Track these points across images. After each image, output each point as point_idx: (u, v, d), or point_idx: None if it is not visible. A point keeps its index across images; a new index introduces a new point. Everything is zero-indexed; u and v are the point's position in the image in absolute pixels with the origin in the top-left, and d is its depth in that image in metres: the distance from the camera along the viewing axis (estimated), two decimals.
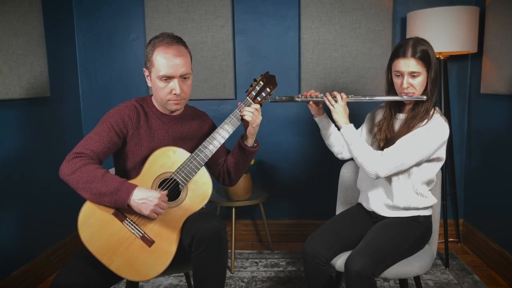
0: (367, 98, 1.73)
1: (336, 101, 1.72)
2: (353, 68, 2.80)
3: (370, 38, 2.76)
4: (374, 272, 1.50)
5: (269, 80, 1.68)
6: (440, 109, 2.55)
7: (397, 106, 1.79)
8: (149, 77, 1.62)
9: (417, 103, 1.69)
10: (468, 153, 2.85)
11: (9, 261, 2.22)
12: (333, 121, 1.82)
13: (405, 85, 1.66)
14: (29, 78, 2.34)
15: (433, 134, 1.63)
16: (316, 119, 1.90)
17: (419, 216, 1.73)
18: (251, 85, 1.67)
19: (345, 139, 1.70)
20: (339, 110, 1.70)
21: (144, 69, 1.63)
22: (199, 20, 2.82)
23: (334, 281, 1.82)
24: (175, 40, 1.59)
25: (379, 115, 1.85)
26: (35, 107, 2.45)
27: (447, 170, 2.79)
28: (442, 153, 1.70)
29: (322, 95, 1.78)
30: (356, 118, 1.82)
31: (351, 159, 1.97)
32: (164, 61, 1.54)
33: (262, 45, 2.87)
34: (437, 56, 2.55)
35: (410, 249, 1.65)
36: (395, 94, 1.74)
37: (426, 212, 1.75)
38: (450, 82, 2.78)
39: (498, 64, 2.36)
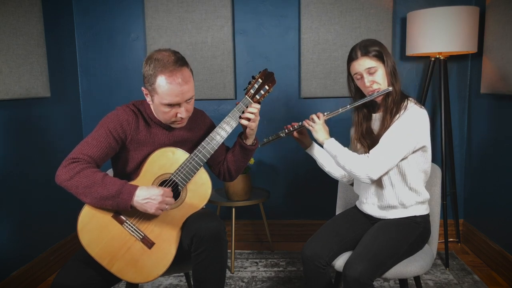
0: (340, 109, 1.74)
1: (314, 122, 1.73)
2: None
3: (370, 38, 2.74)
4: (373, 277, 1.50)
5: (268, 78, 1.67)
6: (440, 109, 2.57)
7: (369, 109, 1.80)
8: (148, 96, 1.57)
9: (386, 99, 1.70)
10: (468, 153, 2.85)
11: (9, 261, 2.22)
12: (317, 143, 1.82)
13: (367, 84, 1.68)
14: (29, 78, 2.34)
15: (413, 123, 1.63)
16: (307, 150, 1.91)
17: (416, 216, 1.72)
18: (250, 83, 1.66)
19: (330, 153, 1.71)
20: (318, 128, 1.72)
21: (143, 88, 1.57)
22: (199, 20, 2.82)
23: (333, 284, 1.82)
24: (178, 64, 1.49)
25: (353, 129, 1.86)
26: (35, 107, 2.45)
27: (447, 170, 2.79)
28: (427, 142, 1.68)
29: (301, 122, 1.79)
30: (340, 138, 1.82)
31: None
32: (169, 91, 1.48)
33: (262, 45, 2.87)
34: (437, 56, 2.55)
35: (409, 250, 1.65)
36: (364, 97, 1.74)
37: (423, 212, 1.75)
38: (450, 82, 2.78)
39: (498, 64, 2.36)
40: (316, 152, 1.89)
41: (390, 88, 1.67)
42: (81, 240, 1.48)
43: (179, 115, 1.55)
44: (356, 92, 1.79)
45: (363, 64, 1.67)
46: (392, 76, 1.68)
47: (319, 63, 2.81)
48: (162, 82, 1.48)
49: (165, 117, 1.57)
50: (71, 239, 2.73)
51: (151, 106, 1.63)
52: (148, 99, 1.59)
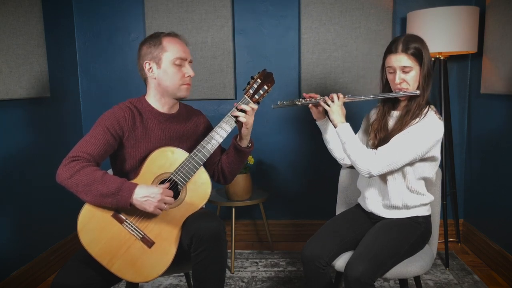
0: (363, 97, 1.73)
1: (333, 101, 1.72)
2: (353, 68, 2.80)
3: (370, 38, 2.76)
4: (374, 277, 1.50)
5: (267, 78, 1.67)
6: (440, 109, 2.56)
7: (392, 104, 1.79)
8: (152, 69, 1.62)
9: (410, 100, 1.69)
10: (468, 153, 2.85)
11: (9, 262, 2.22)
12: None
13: (397, 81, 1.67)
14: (29, 78, 2.34)
15: (426, 132, 1.62)
16: (318, 122, 1.88)
17: (417, 217, 1.72)
18: (249, 83, 1.66)
19: (340, 138, 1.69)
20: (335, 110, 1.69)
21: (147, 61, 1.62)
22: (199, 20, 2.82)
23: (334, 284, 1.82)
24: (176, 33, 1.69)
25: (374, 115, 1.85)
26: (35, 107, 2.45)
27: (447, 170, 2.79)
28: (437, 152, 1.68)
29: (320, 97, 1.77)
30: (354, 121, 1.82)
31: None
32: (177, 45, 1.63)
33: (262, 45, 2.87)
34: (437, 56, 2.55)
35: (410, 250, 1.65)
36: (390, 91, 1.74)
37: (425, 212, 1.75)
38: (450, 82, 2.78)
39: (498, 64, 2.36)
40: (326, 127, 1.87)
41: (418, 92, 1.65)
42: (81, 239, 1.48)
43: (186, 75, 1.63)
44: (386, 83, 1.77)
45: (400, 60, 1.65)
46: (425, 80, 1.66)
47: (319, 63, 2.81)
48: (169, 39, 1.63)
49: (175, 79, 1.62)
50: (71, 239, 2.73)
51: (146, 98, 1.67)
52: (152, 73, 1.63)
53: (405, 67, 1.64)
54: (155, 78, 1.63)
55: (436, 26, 2.36)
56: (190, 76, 1.65)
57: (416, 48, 1.64)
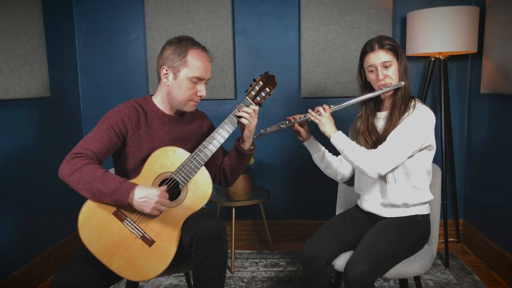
0: (348, 103, 1.75)
1: (320, 114, 1.73)
2: (353, 68, 2.80)
3: (370, 38, 2.74)
4: (374, 278, 1.50)
5: (269, 80, 1.69)
6: (440, 109, 2.57)
7: (374, 105, 1.80)
8: (168, 76, 1.61)
9: (394, 94, 1.72)
10: (468, 153, 2.85)
11: (9, 261, 2.22)
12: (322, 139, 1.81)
13: (381, 77, 1.69)
14: (29, 78, 2.34)
15: (421, 122, 1.65)
16: (305, 144, 1.89)
17: (417, 216, 1.73)
18: (251, 85, 1.68)
19: (338, 147, 1.71)
20: (325, 121, 1.72)
21: (166, 67, 1.61)
22: (199, 20, 2.82)
23: (333, 284, 1.82)
24: (205, 48, 1.66)
25: (358, 122, 1.86)
26: (35, 107, 2.45)
27: (447, 170, 2.79)
28: (432, 140, 1.71)
29: (304, 114, 1.78)
30: (345, 127, 1.83)
31: (352, 177, 1.96)
32: (201, 64, 1.60)
33: (262, 45, 2.87)
34: (437, 56, 2.56)
35: (409, 250, 1.65)
36: (372, 92, 1.75)
37: (424, 211, 1.75)
38: (450, 82, 2.78)
39: (498, 64, 2.36)
40: (315, 146, 1.89)
41: (403, 83, 1.69)
42: (82, 236, 1.48)
43: (198, 93, 1.62)
44: (365, 86, 1.80)
45: (380, 57, 1.69)
46: (404, 73, 1.70)
47: (319, 63, 2.81)
48: (195, 55, 1.60)
49: (186, 94, 1.61)
50: (71, 239, 2.73)
51: (153, 98, 1.67)
52: (166, 80, 1.62)
53: (385, 62, 1.68)
54: (168, 86, 1.63)
55: (436, 26, 2.36)
56: (201, 96, 1.63)
57: (390, 44, 1.70)
